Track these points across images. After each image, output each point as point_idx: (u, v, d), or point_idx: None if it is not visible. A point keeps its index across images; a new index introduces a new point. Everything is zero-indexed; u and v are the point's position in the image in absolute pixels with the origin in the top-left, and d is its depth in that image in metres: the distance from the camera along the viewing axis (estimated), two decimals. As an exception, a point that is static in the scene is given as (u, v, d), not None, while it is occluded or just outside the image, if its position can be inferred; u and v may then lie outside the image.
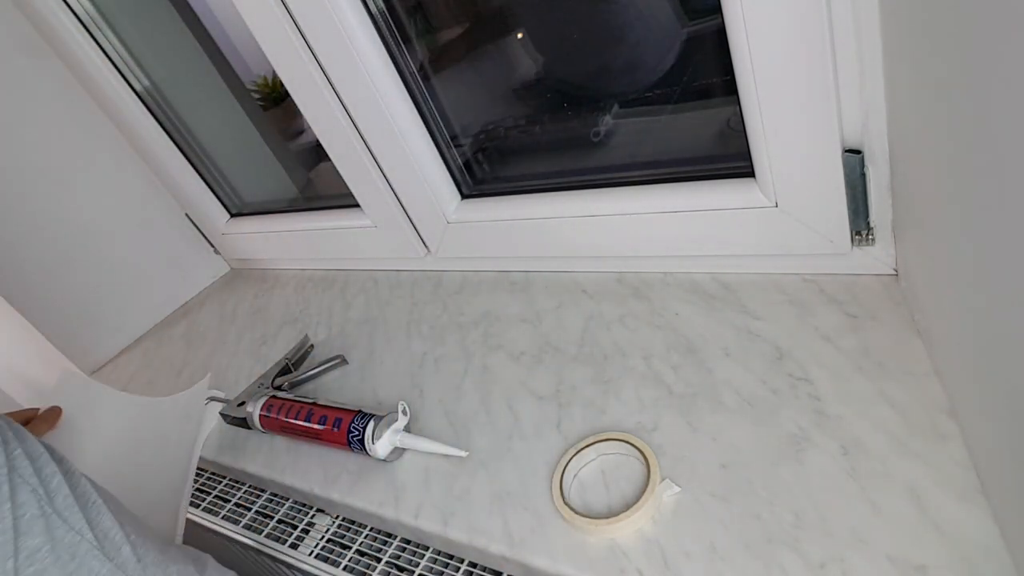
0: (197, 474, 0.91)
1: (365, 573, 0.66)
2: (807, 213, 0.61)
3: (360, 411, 0.70)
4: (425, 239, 0.92)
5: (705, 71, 0.71)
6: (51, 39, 1.05)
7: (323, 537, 0.72)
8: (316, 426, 0.71)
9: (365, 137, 0.83)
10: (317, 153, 1.32)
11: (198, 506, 0.86)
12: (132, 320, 1.22)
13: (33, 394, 0.97)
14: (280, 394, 0.80)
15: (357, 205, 0.94)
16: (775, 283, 0.68)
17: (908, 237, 0.57)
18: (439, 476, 0.64)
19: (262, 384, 0.85)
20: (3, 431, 0.43)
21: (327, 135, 0.85)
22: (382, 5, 0.75)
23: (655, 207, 0.70)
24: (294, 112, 1.24)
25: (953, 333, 0.47)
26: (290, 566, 0.73)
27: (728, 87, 0.59)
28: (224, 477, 0.88)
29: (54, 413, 0.87)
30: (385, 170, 0.85)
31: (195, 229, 1.28)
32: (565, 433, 0.62)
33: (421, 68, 0.80)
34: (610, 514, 0.52)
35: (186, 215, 1.26)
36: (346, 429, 0.69)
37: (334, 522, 0.74)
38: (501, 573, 0.60)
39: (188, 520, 0.86)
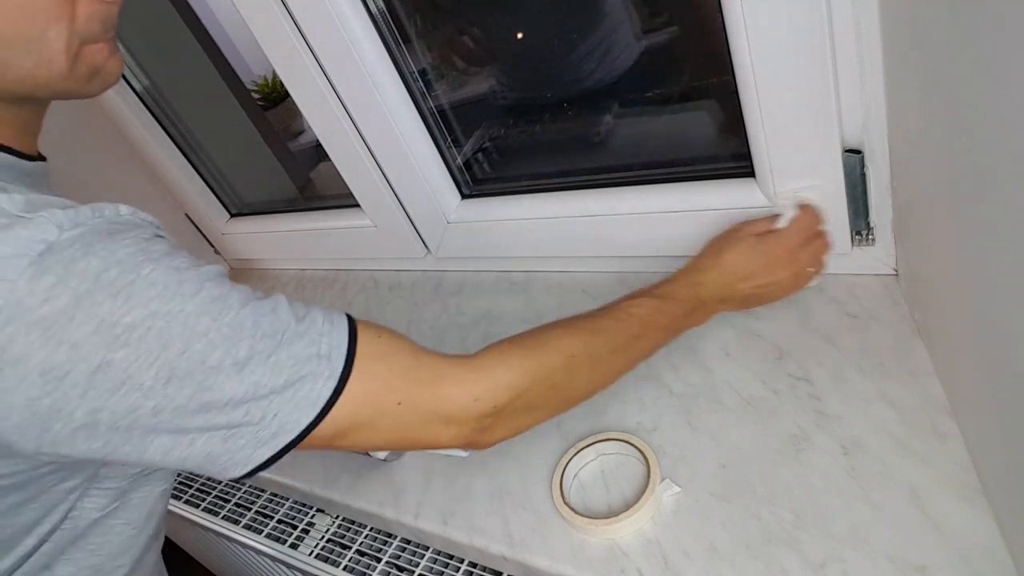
0: (197, 473, 0.91)
1: (365, 573, 0.66)
2: (807, 213, 0.61)
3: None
4: (425, 239, 0.92)
5: (705, 71, 0.71)
6: (51, 39, 1.04)
7: (323, 537, 0.72)
8: (316, 426, 0.71)
9: (365, 137, 0.82)
10: (317, 153, 1.32)
11: (198, 506, 0.86)
12: (132, 320, 1.21)
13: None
14: (280, 394, 0.80)
15: (357, 205, 0.94)
16: (775, 283, 0.68)
17: (908, 237, 0.57)
18: (439, 476, 0.64)
19: (262, 384, 0.84)
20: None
21: (327, 135, 0.85)
22: (382, 5, 0.75)
23: (655, 207, 0.70)
24: (294, 112, 1.24)
25: (953, 333, 0.47)
26: (290, 566, 0.73)
27: (728, 87, 0.59)
28: (224, 477, 0.88)
29: None
30: (385, 170, 0.85)
31: (195, 229, 1.28)
32: (565, 433, 0.62)
33: (422, 69, 0.80)
34: (610, 514, 0.52)
35: (186, 215, 1.26)
36: (346, 429, 0.68)
37: (334, 522, 0.74)
38: (501, 573, 0.60)
39: (187, 520, 0.86)
